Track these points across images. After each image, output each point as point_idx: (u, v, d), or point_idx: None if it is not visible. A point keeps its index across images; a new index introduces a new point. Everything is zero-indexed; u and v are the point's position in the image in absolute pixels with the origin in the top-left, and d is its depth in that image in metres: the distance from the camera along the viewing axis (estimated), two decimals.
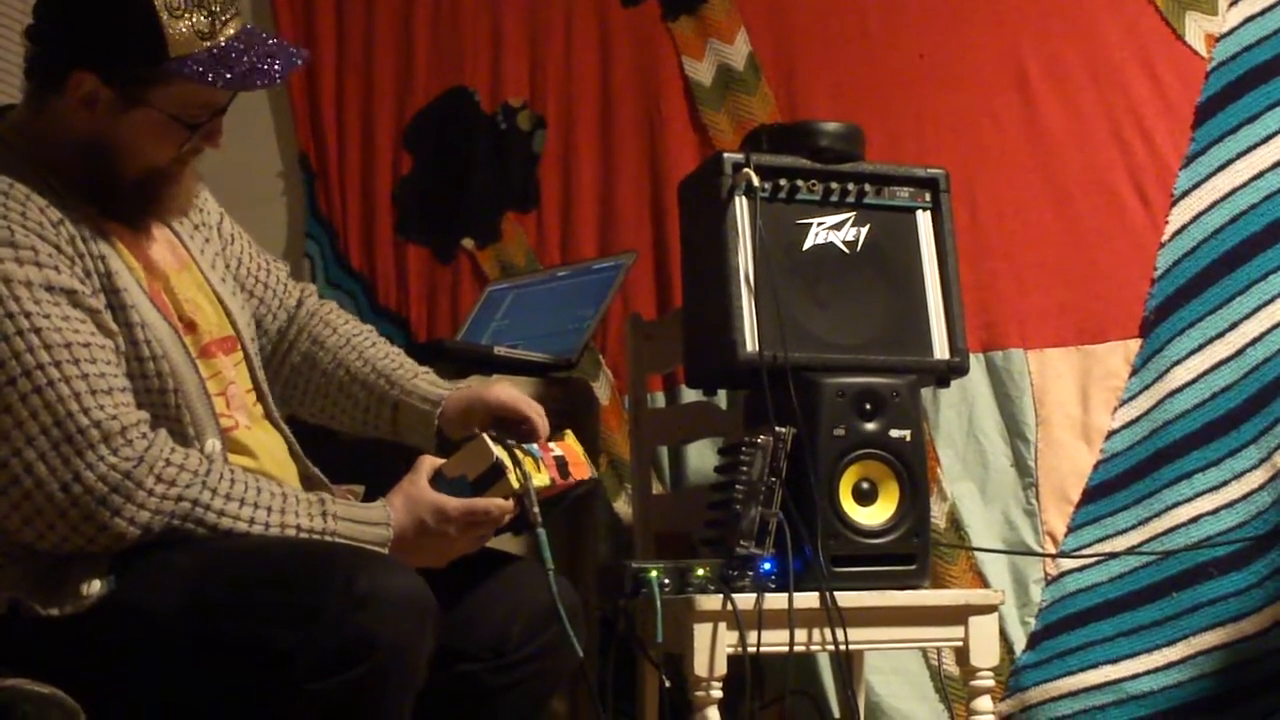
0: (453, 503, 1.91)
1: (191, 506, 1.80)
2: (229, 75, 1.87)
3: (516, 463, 1.97)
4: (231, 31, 1.91)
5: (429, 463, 1.96)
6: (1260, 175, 3.18)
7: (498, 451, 1.96)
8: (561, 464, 2.04)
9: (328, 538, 1.85)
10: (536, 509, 1.96)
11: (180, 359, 1.93)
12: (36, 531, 1.78)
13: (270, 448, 2.08)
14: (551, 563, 1.97)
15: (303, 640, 1.71)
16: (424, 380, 2.21)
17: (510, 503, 1.95)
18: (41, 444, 1.76)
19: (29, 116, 1.95)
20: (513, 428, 2.08)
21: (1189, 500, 3.13)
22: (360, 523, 1.88)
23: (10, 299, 1.77)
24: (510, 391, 2.13)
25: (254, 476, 1.88)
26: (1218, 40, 3.25)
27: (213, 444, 1.94)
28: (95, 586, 1.79)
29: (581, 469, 2.08)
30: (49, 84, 1.91)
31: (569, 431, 2.12)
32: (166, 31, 1.84)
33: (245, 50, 1.90)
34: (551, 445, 2.05)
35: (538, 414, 2.10)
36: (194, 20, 1.86)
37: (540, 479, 2.00)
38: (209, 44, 1.88)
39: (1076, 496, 3.23)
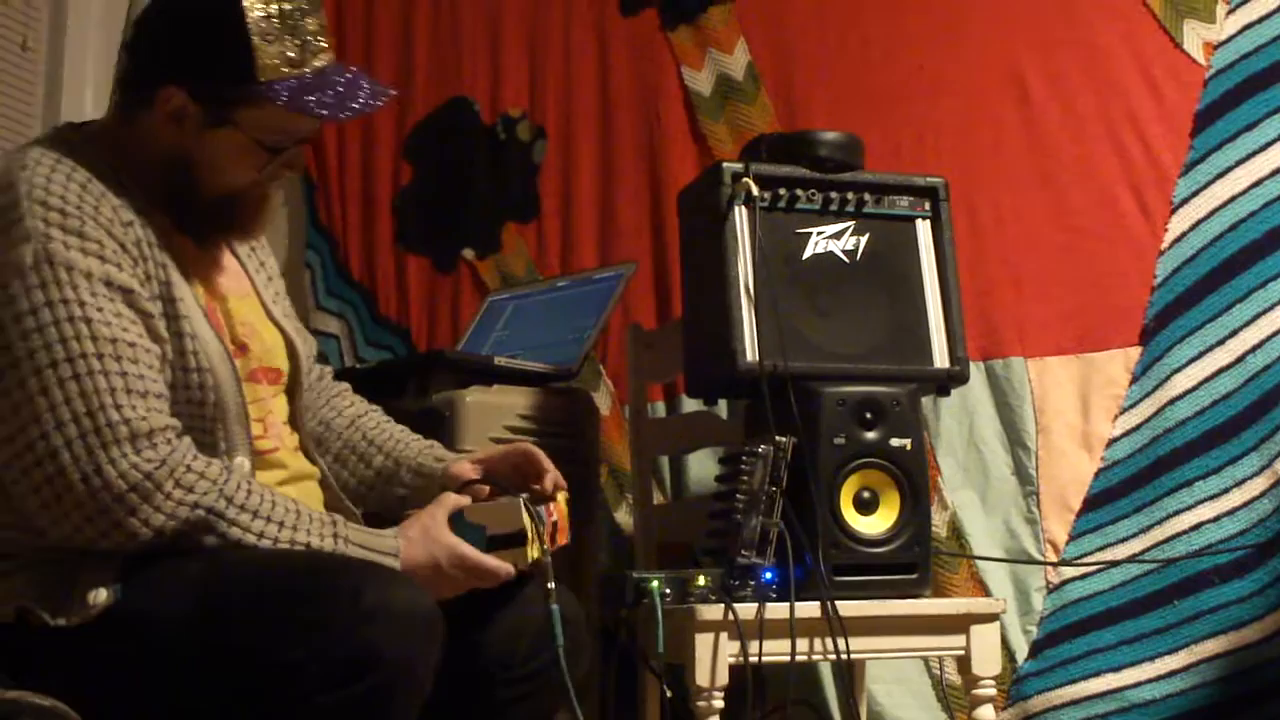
0: (471, 552, 1.93)
1: (206, 514, 1.82)
2: (312, 104, 1.92)
3: (539, 536, 2.00)
4: (320, 63, 1.95)
5: (452, 500, 1.98)
6: (1259, 183, 3.18)
7: (527, 521, 1.98)
8: (553, 531, 2.06)
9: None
10: (552, 584, 1.98)
11: (226, 376, 1.95)
12: (52, 517, 1.79)
13: (301, 472, 2.10)
14: (561, 637, 1.98)
15: (310, 652, 1.71)
16: (439, 448, 2.26)
17: (514, 569, 1.97)
18: (70, 431, 1.78)
19: (116, 126, 1.99)
20: (515, 476, 2.12)
21: (1190, 508, 3.13)
22: (370, 550, 1.89)
23: (69, 285, 1.81)
24: (529, 449, 2.16)
25: (270, 491, 1.89)
26: (1216, 48, 3.25)
27: (241, 461, 1.95)
28: (102, 595, 1.80)
29: (563, 535, 2.09)
30: (139, 97, 1.95)
31: (564, 494, 2.14)
32: (257, 55, 1.89)
33: (332, 82, 1.95)
34: (551, 507, 2.07)
35: (555, 479, 2.14)
36: (285, 47, 1.91)
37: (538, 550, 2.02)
38: (297, 72, 1.92)
39: (1077, 505, 3.23)
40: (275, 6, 1.90)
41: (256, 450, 1.99)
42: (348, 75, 1.98)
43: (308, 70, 1.93)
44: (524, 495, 2.02)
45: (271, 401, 2.07)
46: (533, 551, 1.98)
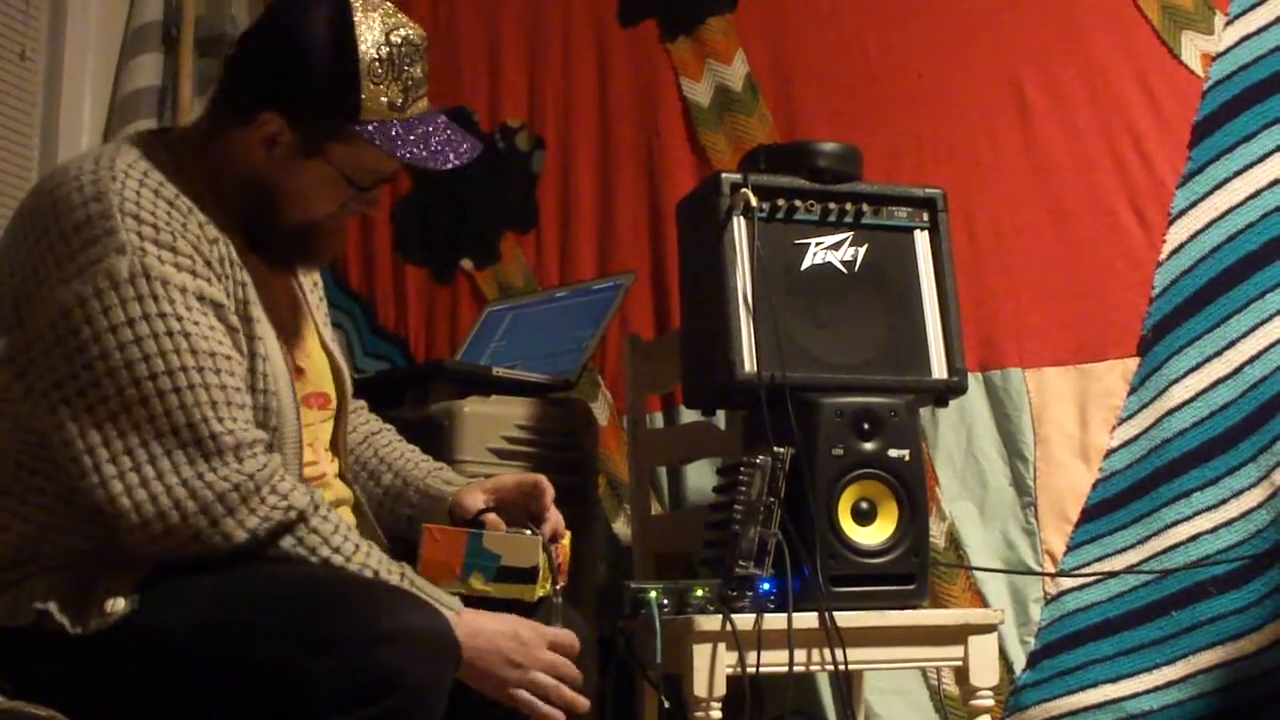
0: (561, 632, 1.95)
1: (297, 521, 1.83)
2: (408, 151, 1.94)
3: (553, 574, 2.03)
4: (419, 109, 1.98)
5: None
6: (1257, 194, 3.18)
7: (542, 559, 2.01)
8: (554, 572, 2.06)
9: None
10: (560, 624, 1.99)
11: (288, 399, 1.97)
12: (141, 518, 1.78)
13: (340, 497, 2.11)
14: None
15: (326, 671, 1.71)
16: (448, 471, 2.27)
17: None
18: (170, 442, 1.79)
19: (204, 138, 2.00)
20: (523, 505, 2.12)
21: (1188, 519, 3.13)
22: (433, 597, 1.88)
23: (165, 299, 1.82)
24: (541, 481, 2.16)
25: (345, 522, 1.91)
26: (1214, 59, 3.26)
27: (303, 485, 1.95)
28: (120, 604, 1.80)
29: (562, 577, 2.10)
30: (235, 115, 1.96)
31: (569, 534, 2.15)
32: (364, 95, 1.91)
33: (427, 131, 1.98)
34: (558, 550, 2.08)
35: (555, 514, 2.13)
36: (391, 90, 1.93)
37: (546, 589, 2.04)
38: (397, 115, 1.94)
39: (1075, 515, 3.23)
40: (388, 50, 1.92)
41: (304, 475, 2.00)
42: (439, 124, 2.00)
43: (406, 115, 1.95)
44: (540, 533, 2.05)
45: (319, 427, 2.09)
46: (540, 590, 2.00)
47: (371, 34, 1.91)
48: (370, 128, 1.92)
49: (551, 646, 1.94)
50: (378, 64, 1.91)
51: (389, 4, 1.97)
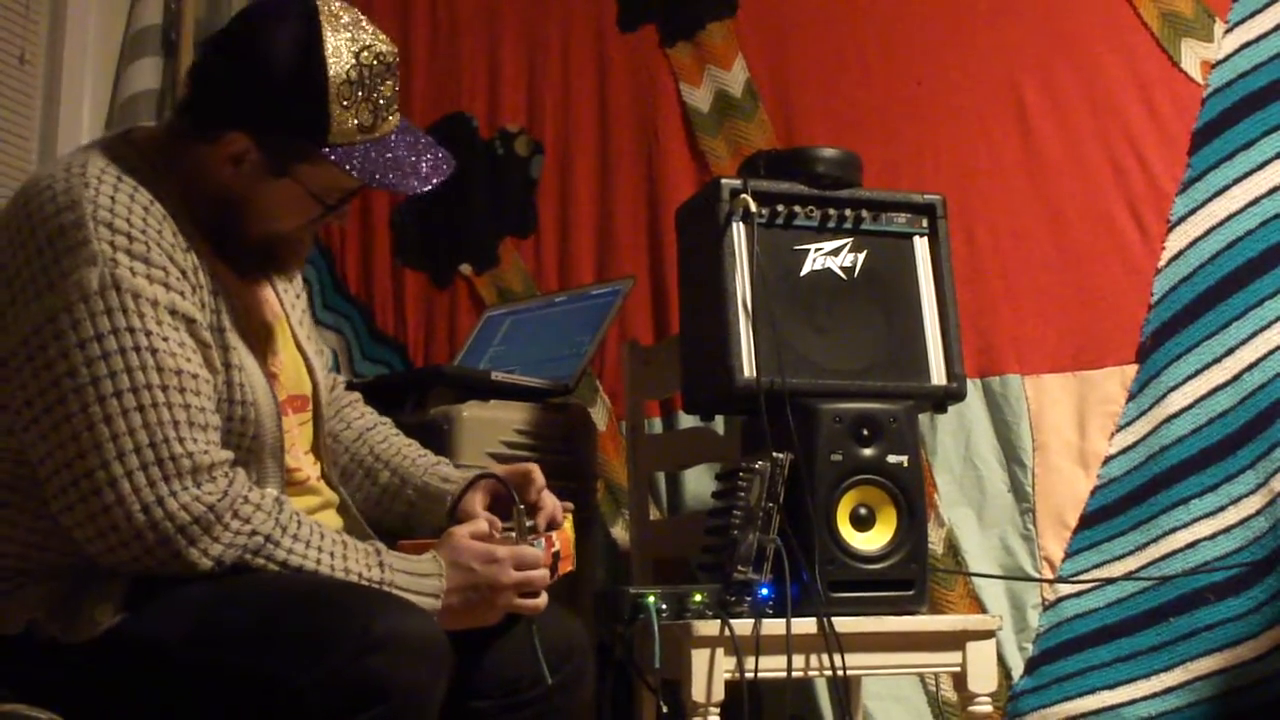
0: (501, 548, 1.94)
1: (264, 542, 1.81)
2: (377, 175, 1.90)
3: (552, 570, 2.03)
4: (389, 127, 1.94)
5: (461, 531, 1.99)
6: (1256, 201, 3.18)
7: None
8: (555, 560, 2.05)
9: (386, 588, 1.86)
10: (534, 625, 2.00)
11: (268, 408, 1.95)
12: (108, 545, 1.77)
13: (325, 500, 2.10)
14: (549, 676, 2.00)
15: (315, 679, 1.70)
16: (446, 466, 2.25)
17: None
18: (131, 461, 1.76)
19: (170, 147, 1.96)
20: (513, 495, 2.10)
21: (1186, 525, 3.13)
22: (414, 574, 1.89)
23: (135, 313, 1.79)
24: (532, 470, 2.15)
25: (316, 522, 1.89)
26: (1213, 66, 3.26)
27: (270, 492, 1.93)
28: (109, 614, 1.79)
29: (568, 562, 2.10)
30: (201, 131, 1.92)
31: (570, 517, 2.14)
32: (333, 119, 1.87)
33: (398, 150, 1.94)
34: (553, 536, 2.06)
35: (549, 500, 2.13)
36: (360, 112, 1.89)
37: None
38: (366, 137, 1.91)
39: (1074, 522, 3.23)
40: (357, 72, 1.88)
41: (288, 482, 1.99)
42: (413, 137, 1.97)
43: (375, 135, 1.92)
44: (524, 532, 2.03)
45: (297, 430, 2.07)
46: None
47: (341, 55, 1.87)
48: (339, 151, 1.88)
49: (517, 560, 1.95)
50: (347, 86, 1.87)
51: (360, 17, 1.92)
